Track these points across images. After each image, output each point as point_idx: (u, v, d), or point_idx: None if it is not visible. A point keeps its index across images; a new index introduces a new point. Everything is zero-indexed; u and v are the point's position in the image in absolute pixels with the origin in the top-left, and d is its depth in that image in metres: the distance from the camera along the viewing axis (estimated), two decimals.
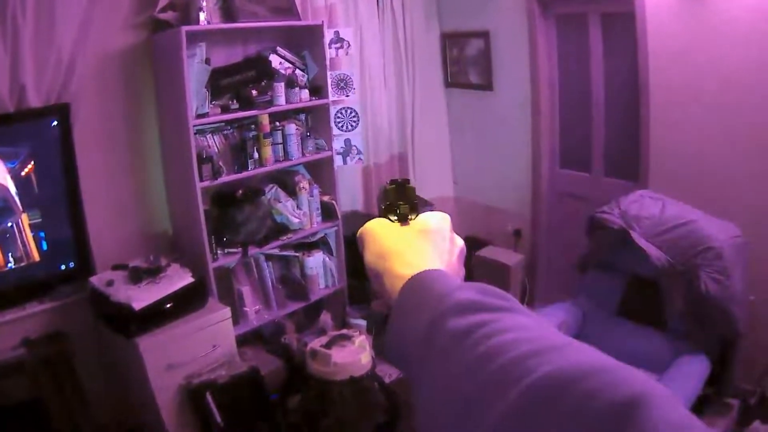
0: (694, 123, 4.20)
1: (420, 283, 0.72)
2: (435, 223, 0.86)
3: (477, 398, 0.52)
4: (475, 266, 5.31)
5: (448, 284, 0.68)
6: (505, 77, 5.58)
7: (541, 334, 0.55)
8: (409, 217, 0.87)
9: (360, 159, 5.20)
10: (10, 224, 3.59)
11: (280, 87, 4.44)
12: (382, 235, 0.85)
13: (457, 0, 5.77)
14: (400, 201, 0.87)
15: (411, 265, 0.76)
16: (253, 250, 4.46)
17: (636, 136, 4.61)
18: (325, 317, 4.91)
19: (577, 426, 0.43)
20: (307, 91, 4.64)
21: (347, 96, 5.03)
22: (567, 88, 5.29)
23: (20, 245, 3.64)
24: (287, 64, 4.62)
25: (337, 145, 4.98)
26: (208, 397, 3.66)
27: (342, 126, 5.07)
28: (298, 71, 4.67)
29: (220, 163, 4.22)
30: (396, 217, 0.87)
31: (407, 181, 0.90)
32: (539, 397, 0.47)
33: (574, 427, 0.43)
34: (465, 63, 5.88)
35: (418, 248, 0.81)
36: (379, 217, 0.90)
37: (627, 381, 0.45)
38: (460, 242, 0.87)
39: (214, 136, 4.32)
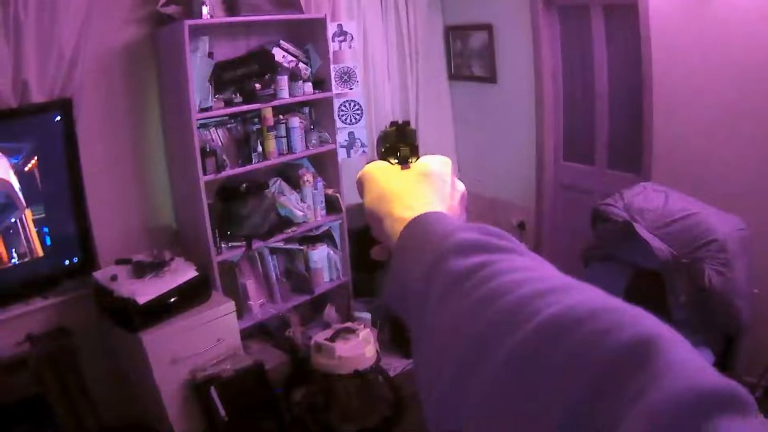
0: (697, 115, 4.19)
1: (421, 225, 0.71)
2: (436, 166, 0.84)
3: (480, 340, 0.50)
4: None
5: (450, 225, 0.67)
6: (509, 70, 5.57)
7: (543, 275, 0.54)
8: (410, 160, 0.85)
9: (364, 152, 5.19)
10: (13, 220, 3.60)
11: (284, 80, 4.44)
12: (382, 178, 0.83)
13: None
14: (400, 143, 0.86)
15: (412, 208, 0.75)
16: (257, 244, 4.46)
17: (639, 128, 4.59)
18: (330, 311, 4.91)
19: (586, 368, 0.42)
20: (310, 84, 4.65)
21: (351, 89, 5.02)
22: (570, 80, 5.27)
23: (24, 241, 3.65)
24: (290, 58, 4.61)
25: (341, 138, 4.98)
26: (213, 391, 3.67)
27: (346, 119, 5.06)
28: (301, 64, 4.66)
29: (224, 157, 4.21)
30: (396, 160, 0.86)
31: (407, 123, 0.89)
32: (545, 338, 0.45)
33: (582, 368, 0.42)
34: (468, 55, 5.87)
35: (418, 191, 0.79)
36: (379, 159, 0.88)
37: (636, 322, 0.44)
38: (461, 186, 0.86)
39: (218, 130, 4.32)
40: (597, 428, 0.39)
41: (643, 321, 0.44)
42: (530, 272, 0.54)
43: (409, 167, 0.84)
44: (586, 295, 0.49)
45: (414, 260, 0.65)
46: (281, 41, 4.60)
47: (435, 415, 0.54)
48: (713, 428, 0.35)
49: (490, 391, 0.47)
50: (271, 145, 4.43)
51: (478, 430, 0.48)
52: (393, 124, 0.88)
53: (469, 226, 0.64)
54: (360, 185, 0.87)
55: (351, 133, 5.09)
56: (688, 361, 0.40)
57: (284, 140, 4.57)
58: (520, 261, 0.57)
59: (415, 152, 0.86)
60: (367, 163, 0.91)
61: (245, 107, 4.31)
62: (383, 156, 0.87)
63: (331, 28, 4.78)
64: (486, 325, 0.50)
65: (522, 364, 0.45)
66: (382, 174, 0.84)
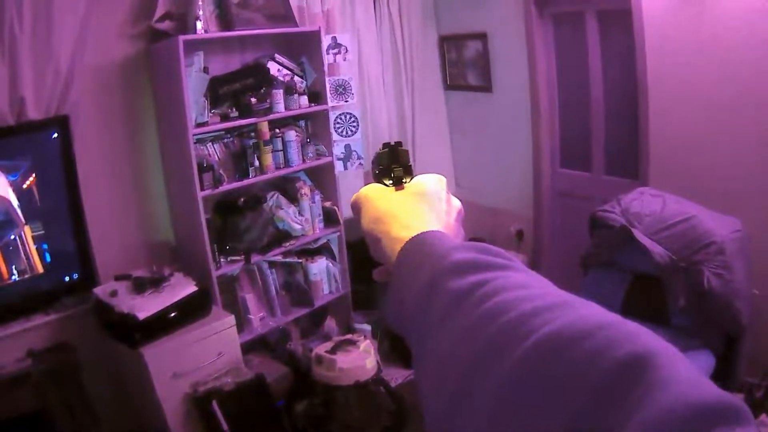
0: (692, 119, 4.20)
1: (418, 244, 0.71)
2: (431, 184, 0.85)
3: (479, 359, 0.51)
4: None
5: (447, 245, 0.67)
6: (504, 78, 5.58)
7: (542, 292, 0.54)
8: (404, 180, 0.86)
9: (361, 164, 5.19)
10: (12, 237, 3.60)
11: (279, 94, 4.45)
12: (378, 200, 0.84)
13: (454, 2, 5.76)
14: (394, 164, 0.86)
15: (409, 228, 0.75)
16: (256, 258, 4.46)
17: (635, 134, 4.60)
18: (330, 323, 4.92)
19: (585, 385, 0.42)
20: (306, 97, 4.65)
21: (346, 101, 5.02)
22: (566, 87, 5.28)
23: (24, 257, 3.65)
24: (285, 71, 4.63)
25: (338, 150, 4.98)
26: (215, 405, 3.66)
27: (342, 131, 5.07)
28: (296, 78, 4.68)
29: (221, 172, 4.22)
30: (390, 181, 0.86)
31: (400, 144, 0.89)
32: (543, 357, 0.46)
33: (581, 385, 0.43)
34: (464, 65, 5.88)
35: (415, 211, 0.80)
36: (374, 182, 0.89)
37: (631, 338, 0.44)
38: (457, 203, 0.87)
39: (214, 145, 4.33)
40: None
41: (639, 337, 0.45)
42: (527, 290, 0.55)
43: (403, 188, 0.85)
44: (583, 312, 0.50)
45: (412, 281, 0.66)
46: (276, 55, 4.62)
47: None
48: None
49: (491, 410, 0.48)
50: (268, 158, 4.44)
51: None
52: (386, 145, 0.89)
53: (465, 245, 0.65)
54: (356, 208, 0.87)
55: (347, 146, 5.09)
56: (683, 376, 0.41)
57: (281, 154, 4.57)
58: (517, 278, 0.58)
59: (408, 172, 0.86)
60: (365, 182, 0.92)
61: (241, 121, 4.31)
62: (377, 178, 0.88)
63: (326, 41, 4.78)
64: (485, 344, 0.51)
65: (521, 383, 0.46)
66: (378, 195, 0.85)
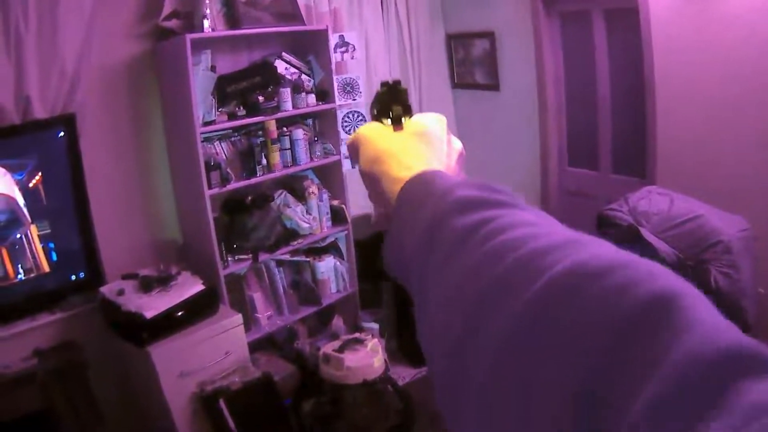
0: (700, 117, 4.18)
1: (419, 184, 0.69)
2: (431, 124, 0.82)
3: (486, 299, 0.47)
4: None
5: (449, 182, 0.64)
6: (511, 77, 5.57)
7: (551, 230, 0.51)
8: (403, 119, 0.83)
9: None
10: (19, 236, 3.60)
11: (287, 92, 4.44)
12: (376, 139, 0.81)
13: (461, 1, 5.75)
14: (393, 104, 0.84)
15: (409, 168, 0.73)
16: (263, 256, 4.46)
17: (643, 132, 4.59)
18: (338, 321, 4.91)
19: (603, 328, 0.39)
20: (313, 95, 4.64)
21: (354, 100, 5.03)
22: (573, 85, 5.27)
23: (30, 256, 3.65)
24: (293, 70, 4.63)
25: (345, 149, 4.97)
26: (222, 404, 3.66)
27: (350, 130, 5.07)
28: (304, 76, 4.67)
29: (228, 170, 4.22)
30: (389, 121, 0.83)
31: (399, 82, 0.87)
32: (556, 297, 0.42)
33: (598, 328, 0.39)
34: (471, 64, 5.88)
35: (415, 151, 0.77)
36: (372, 121, 0.87)
37: (653, 277, 0.40)
38: (458, 144, 0.84)
39: (222, 143, 4.33)
40: (616, 395, 0.36)
41: (660, 277, 0.41)
42: (536, 227, 0.51)
43: (402, 127, 0.82)
44: (599, 250, 0.46)
45: (413, 221, 0.63)
46: (283, 53, 4.61)
47: (442, 387, 0.52)
48: (740, 390, 0.33)
49: (497, 356, 0.44)
50: (276, 157, 4.43)
51: (484, 402, 0.45)
52: (384, 84, 0.86)
53: (469, 182, 0.62)
54: (353, 148, 0.84)
55: None
56: (710, 320, 0.38)
57: (288, 152, 4.57)
58: (524, 215, 0.55)
59: (408, 111, 0.84)
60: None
61: (249, 120, 4.31)
62: (376, 118, 0.85)
63: (333, 39, 4.79)
64: (492, 283, 0.48)
65: (531, 325, 0.43)
66: (377, 135, 0.82)
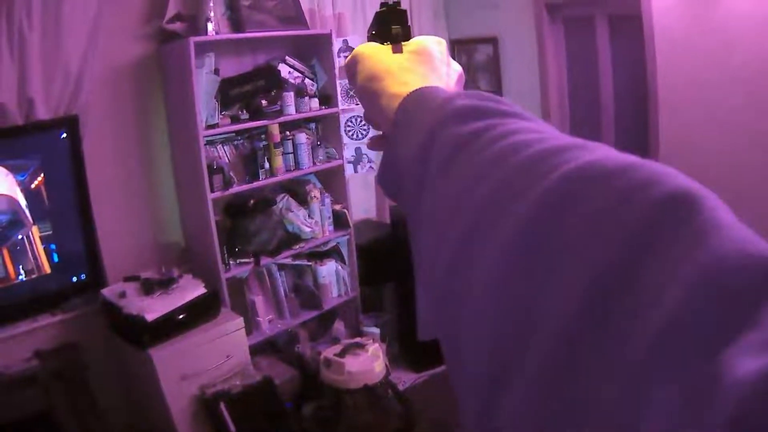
0: (703, 123, 4.18)
1: (418, 97, 0.67)
2: (430, 44, 0.81)
3: (491, 202, 0.44)
4: None
5: (449, 94, 0.61)
6: (515, 83, 5.57)
7: (557, 135, 0.47)
8: (402, 41, 0.81)
9: (371, 167, 5.18)
10: (20, 236, 3.60)
11: (290, 96, 4.44)
12: (375, 57, 0.79)
13: (465, 6, 5.76)
14: (392, 24, 0.81)
15: (408, 84, 0.71)
16: (265, 260, 4.45)
17: (645, 139, 4.58)
18: (339, 326, 4.90)
19: (620, 226, 0.35)
20: (316, 100, 4.65)
21: (357, 104, 5.01)
22: (576, 91, 5.27)
23: (31, 257, 3.65)
24: (296, 74, 4.63)
25: (348, 153, 4.98)
26: (222, 407, 3.65)
27: (352, 134, 5.07)
28: (307, 80, 4.67)
29: (231, 174, 4.22)
30: (388, 41, 0.81)
31: (398, 3, 0.84)
32: (571, 192, 0.38)
33: (615, 227, 0.35)
34: (474, 70, 5.87)
35: (414, 69, 0.76)
36: (369, 41, 0.84)
37: (673, 177, 0.37)
38: (457, 67, 0.82)
39: (225, 147, 4.33)
40: (631, 299, 0.32)
41: (681, 177, 0.37)
42: (540, 133, 0.47)
43: (401, 49, 0.80)
44: (612, 152, 0.41)
45: (411, 132, 0.61)
46: (287, 57, 4.61)
47: (435, 309, 0.49)
48: None
49: (500, 262, 0.40)
50: (278, 161, 4.43)
51: (487, 314, 0.40)
52: (384, 4, 0.84)
53: (468, 93, 0.58)
54: (351, 67, 0.83)
55: (358, 149, 5.09)
56: (736, 224, 0.33)
57: (291, 156, 4.57)
58: (527, 124, 0.50)
59: (407, 33, 0.82)
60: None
61: (252, 124, 4.31)
62: (373, 38, 0.84)
63: (337, 44, 4.78)
64: (498, 183, 0.44)
65: (541, 226, 0.39)
66: (376, 53, 0.80)
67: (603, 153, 0.41)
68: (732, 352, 0.28)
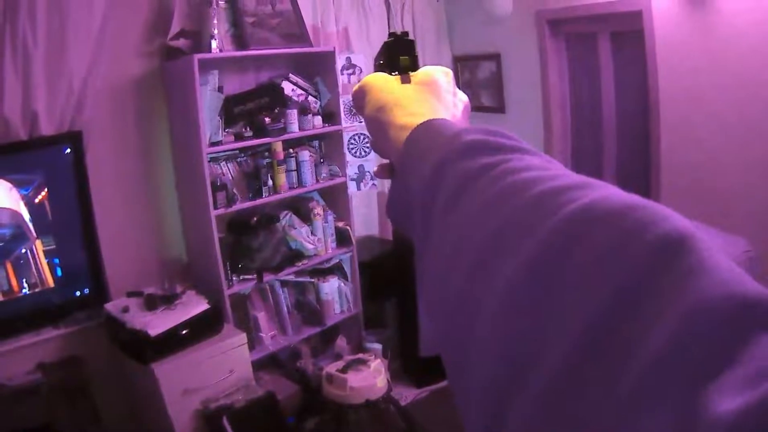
0: (705, 139, 4.18)
1: (426, 130, 0.68)
2: (438, 75, 0.81)
3: (496, 237, 0.46)
4: None
5: (457, 128, 0.62)
6: (517, 99, 5.58)
7: (564, 173, 0.49)
8: (410, 71, 0.81)
9: (374, 185, 5.20)
10: (24, 250, 3.62)
11: (293, 114, 4.47)
12: (384, 88, 0.80)
13: (468, 23, 5.78)
14: (400, 55, 0.83)
15: (416, 116, 0.72)
16: (268, 277, 4.46)
17: (647, 155, 4.59)
18: (341, 342, 4.90)
19: (621, 265, 0.37)
20: (320, 117, 4.67)
21: (360, 122, 5.03)
22: (578, 107, 5.28)
23: (34, 271, 3.67)
24: (300, 91, 4.65)
25: (351, 171, 5.00)
26: (225, 422, 3.66)
27: (355, 152, 5.08)
28: (310, 98, 4.70)
29: (235, 191, 4.24)
30: (396, 72, 0.82)
31: (407, 33, 0.86)
32: (575, 230, 0.40)
33: (615, 266, 0.37)
34: (477, 86, 5.88)
35: (422, 100, 0.76)
36: (376, 72, 0.85)
37: (668, 218, 0.38)
38: (464, 97, 0.82)
39: (228, 164, 4.35)
40: (624, 334, 0.35)
41: (675, 218, 0.39)
42: (550, 171, 0.50)
43: (410, 79, 0.81)
44: (614, 191, 0.44)
45: (420, 165, 0.62)
46: (290, 75, 4.64)
47: (443, 336, 0.50)
48: (758, 342, 0.31)
49: (505, 296, 0.42)
50: (282, 178, 4.45)
51: (488, 346, 0.43)
52: (392, 35, 0.85)
53: (477, 128, 0.60)
54: (359, 96, 0.83)
55: (361, 166, 5.10)
56: (726, 266, 0.35)
57: (294, 174, 4.58)
58: (535, 160, 0.53)
59: (415, 63, 0.83)
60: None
61: (255, 141, 4.33)
62: (382, 68, 0.85)
63: (340, 61, 4.81)
64: (504, 221, 0.46)
65: (547, 265, 0.41)
66: (384, 84, 0.81)
67: (606, 192, 0.43)
68: (714, 388, 0.30)
